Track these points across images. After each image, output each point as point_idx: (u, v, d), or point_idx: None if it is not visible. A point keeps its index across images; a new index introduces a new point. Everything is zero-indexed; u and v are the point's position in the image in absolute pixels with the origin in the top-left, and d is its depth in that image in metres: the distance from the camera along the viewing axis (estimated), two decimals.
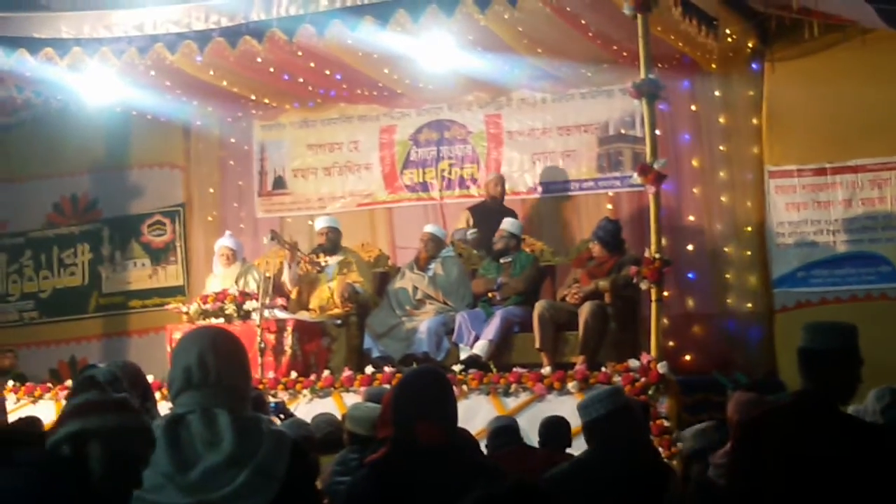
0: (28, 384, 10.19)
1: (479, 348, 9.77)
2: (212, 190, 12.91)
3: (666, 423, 8.19)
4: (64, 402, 3.11)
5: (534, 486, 2.12)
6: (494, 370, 9.19)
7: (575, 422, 5.72)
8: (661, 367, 8.38)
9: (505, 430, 6.76)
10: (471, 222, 11.22)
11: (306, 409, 8.77)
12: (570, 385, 8.64)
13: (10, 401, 9.95)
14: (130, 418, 3.07)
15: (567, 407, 7.92)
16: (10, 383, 10.26)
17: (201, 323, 10.33)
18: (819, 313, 9.61)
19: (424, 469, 3.62)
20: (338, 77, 11.41)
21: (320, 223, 11.17)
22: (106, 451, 2.94)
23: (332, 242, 10.96)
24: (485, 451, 6.51)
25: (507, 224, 10.64)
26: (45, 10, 10.65)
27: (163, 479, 2.98)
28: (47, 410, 9.07)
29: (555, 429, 7.02)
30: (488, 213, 11.08)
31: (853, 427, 3.98)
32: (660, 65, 9.78)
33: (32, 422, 6.64)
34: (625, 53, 10.16)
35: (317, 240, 11.26)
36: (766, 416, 4.36)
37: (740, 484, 4.01)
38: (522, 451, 6.52)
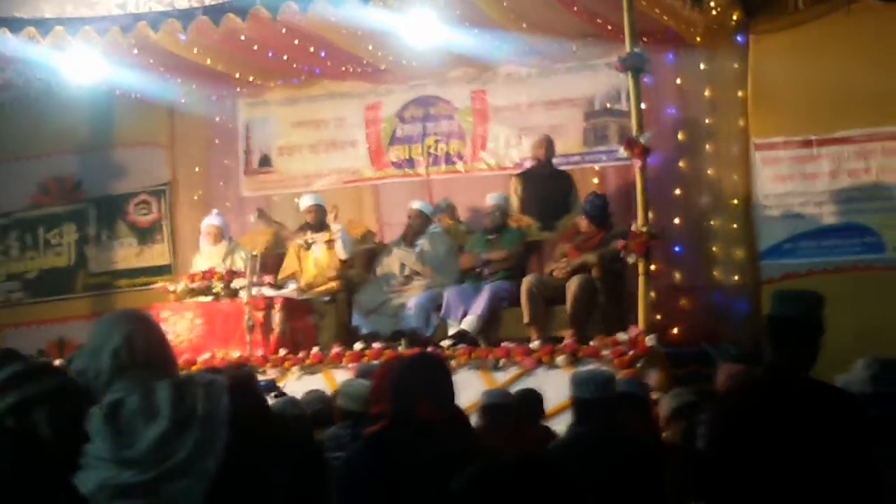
0: None
1: (468, 323, 9.78)
2: (197, 169, 12.86)
3: (655, 396, 8.21)
4: None
5: (531, 459, 2.13)
6: (483, 345, 9.22)
7: (564, 395, 5.76)
8: (650, 340, 8.41)
9: (497, 408, 6.75)
10: (519, 190, 10.94)
11: (296, 386, 8.78)
12: (559, 359, 8.68)
13: None
14: (64, 380, 3.08)
15: (555, 381, 7.97)
16: None
17: (188, 301, 10.34)
18: (806, 284, 9.62)
19: (420, 443, 3.65)
20: (322, 54, 11.36)
21: (306, 201, 11.15)
22: (51, 414, 2.95)
23: (318, 220, 10.95)
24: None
25: (494, 198, 10.65)
26: None
27: (114, 465, 2.95)
28: None
29: (528, 401, 7.05)
30: (537, 177, 10.93)
31: (823, 396, 4.00)
32: (644, 38, 9.77)
33: None
34: (609, 27, 10.14)
35: (303, 218, 11.24)
36: (740, 389, 4.39)
37: (717, 456, 4.04)
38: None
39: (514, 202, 10.80)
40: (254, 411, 3.37)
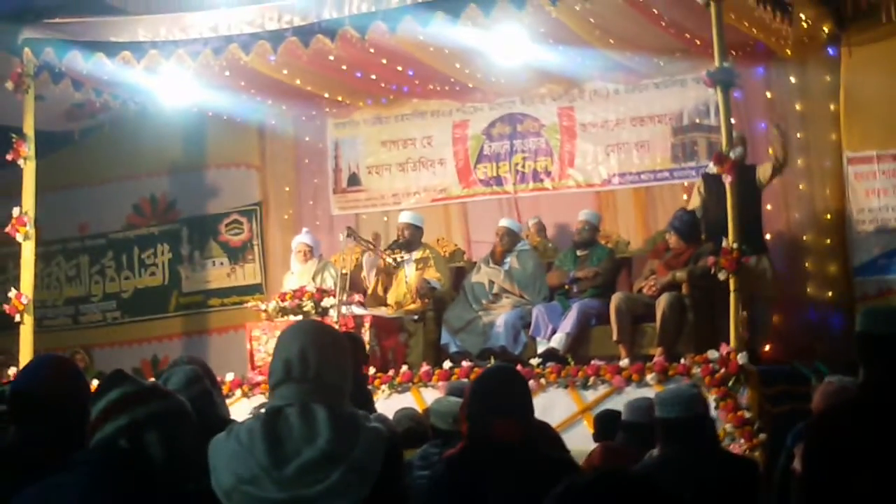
0: None
1: (557, 341, 9.75)
2: (287, 188, 13.01)
3: (747, 415, 8.12)
4: (94, 400, 3.15)
5: (626, 473, 2.10)
6: (572, 363, 9.18)
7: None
8: (741, 358, 8.30)
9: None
10: (702, 189, 10.13)
11: (385, 404, 8.79)
12: (649, 377, 8.61)
13: None
14: (173, 402, 3.14)
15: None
16: (94, 382, 10.41)
17: (280, 321, 10.43)
18: None
19: (499, 464, 3.63)
20: (410, 73, 11.44)
21: (404, 217, 11.20)
22: (162, 437, 3.01)
23: (409, 239, 10.99)
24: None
25: (586, 215, 10.61)
26: (121, 13, 10.82)
27: (259, 471, 3.00)
28: None
29: (609, 422, 7.03)
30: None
31: None
32: (733, 52, 9.66)
33: None
34: (698, 42, 10.06)
35: (394, 235, 11.32)
36: (836, 409, 4.32)
37: (812, 477, 3.97)
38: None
39: (696, 202, 10.04)
40: (402, 474, 3.37)
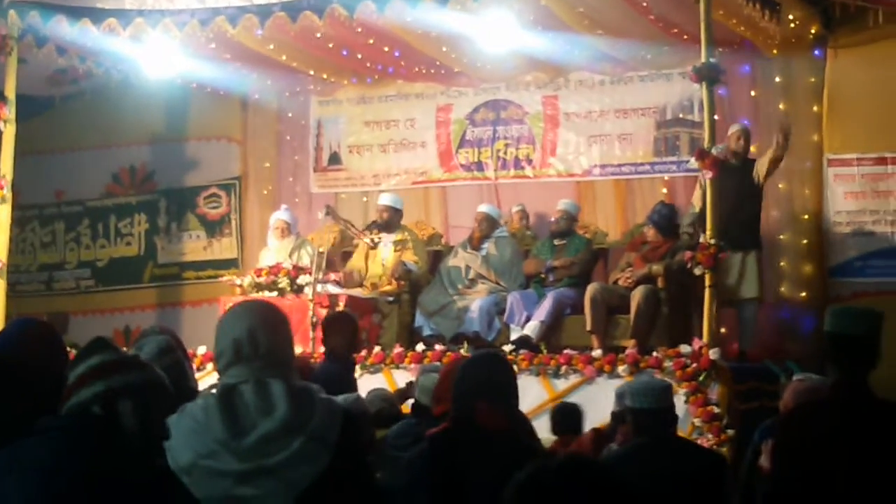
0: None
1: (530, 329, 9.77)
2: (268, 164, 12.97)
3: (716, 410, 8.16)
4: (72, 365, 3.15)
5: (588, 461, 2.10)
6: (545, 351, 9.20)
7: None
8: (713, 354, 8.34)
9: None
10: (704, 183, 9.29)
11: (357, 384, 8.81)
12: (621, 368, 8.64)
13: None
14: (152, 374, 3.16)
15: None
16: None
17: (255, 296, 10.41)
18: (875, 304, 9.42)
19: (483, 449, 3.65)
20: (396, 54, 11.41)
21: (384, 199, 11.19)
22: (136, 407, 3.02)
23: (387, 221, 10.97)
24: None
25: (564, 204, 10.63)
26: None
27: (217, 446, 3.01)
28: None
29: (568, 416, 7.06)
30: (727, 172, 9.16)
31: (889, 415, 3.95)
32: (720, 48, 9.67)
33: None
34: (685, 36, 10.07)
35: (373, 215, 11.31)
36: (805, 407, 4.35)
37: (780, 474, 4.00)
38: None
39: (698, 196, 9.55)
40: (360, 445, 3.38)
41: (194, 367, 5.43)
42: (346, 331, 7.84)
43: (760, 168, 9.53)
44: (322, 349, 8.92)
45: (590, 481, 2.03)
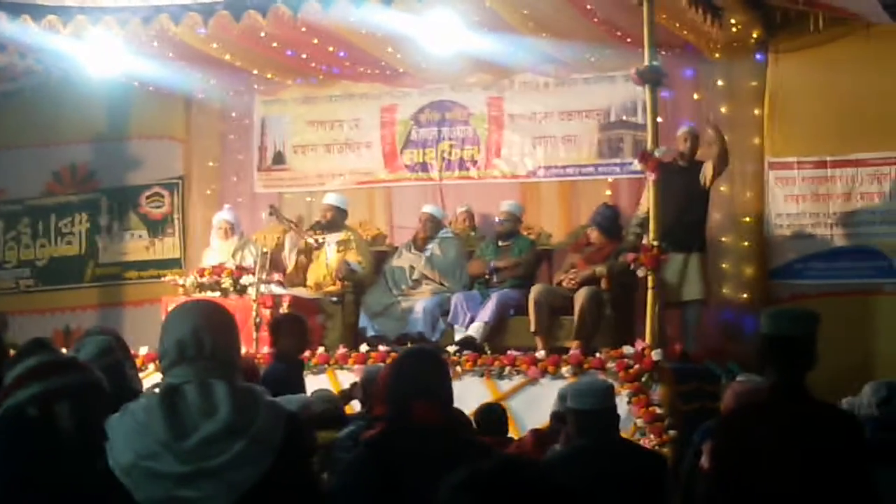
0: None
1: (474, 330, 9.78)
2: (211, 163, 12.88)
3: (658, 411, 8.22)
4: (9, 366, 3.12)
5: (523, 462, 2.09)
6: (489, 352, 9.22)
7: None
8: (656, 355, 8.40)
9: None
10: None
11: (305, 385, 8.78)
12: (565, 370, 8.68)
13: None
14: (90, 376, 3.13)
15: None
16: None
17: (197, 296, 10.34)
18: (815, 305, 9.52)
19: (420, 448, 3.63)
20: (341, 54, 11.37)
21: (328, 199, 11.16)
22: (74, 408, 2.99)
23: (331, 221, 10.94)
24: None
25: (508, 206, 10.65)
26: None
27: (159, 447, 2.98)
28: None
29: (492, 415, 7.07)
30: (675, 173, 9.39)
31: (825, 417, 4.00)
32: (663, 52, 9.74)
33: None
34: (629, 39, 10.12)
35: (317, 215, 11.27)
36: (744, 409, 4.39)
37: (719, 474, 4.04)
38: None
39: (646, 197, 9.25)
40: (304, 448, 3.35)
41: (137, 367, 5.36)
42: (297, 332, 7.81)
43: (707, 170, 9.60)
44: (267, 350, 8.90)
45: (525, 483, 2.01)
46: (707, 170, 9.60)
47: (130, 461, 2.98)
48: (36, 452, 2.93)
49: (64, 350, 4.72)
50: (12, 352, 3.32)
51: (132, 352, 5.69)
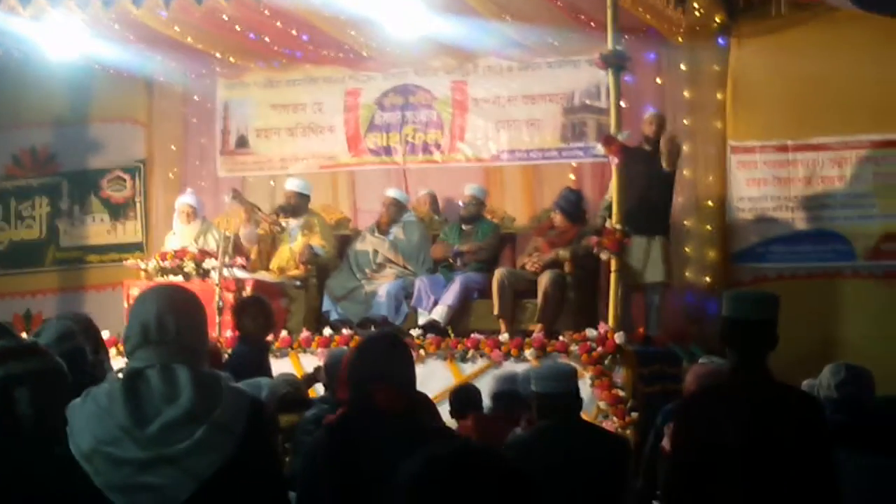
0: None
1: (438, 313, 9.79)
2: (173, 147, 12.80)
3: (621, 393, 8.27)
4: None
5: (481, 449, 2.09)
6: (452, 335, 9.25)
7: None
8: (619, 338, 8.45)
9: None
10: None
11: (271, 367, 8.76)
12: (528, 353, 8.72)
13: None
14: (50, 362, 3.13)
15: None
16: None
17: (160, 280, 10.29)
18: (776, 288, 9.52)
19: (380, 432, 3.63)
20: (304, 38, 11.31)
21: (291, 184, 11.10)
22: (34, 395, 2.98)
23: (294, 206, 10.90)
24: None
25: (473, 189, 10.66)
26: None
27: (120, 433, 2.97)
28: None
29: (466, 396, 7.10)
30: (639, 157, 9.48)
31: (786, 398, 4.03)
32: (626, 36, 9.76)
33: None
34: (592, 23, 10.13)
35: (280, 200, 11.23)
36: (706, 390, 4.42)
37: (680, 456, 4.07)
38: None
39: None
40: (266, 434, 3.34)
41: (107, 352, 5.33)
42: (261, 314, 7.80)
43: (661, 158, 9.62)
44: (231, 333, 8.88)
45: (482, 467, 2.01)
46: (661, 157, 9.58)
47: (91, 446, 2.96)
48: None
49: (24, 335, 4.69)
50: None
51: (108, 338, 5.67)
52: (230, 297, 9.78)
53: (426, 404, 5.07)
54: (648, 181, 9.49)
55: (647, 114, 9.93)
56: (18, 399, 3.00)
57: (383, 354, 3.82)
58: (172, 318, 3.13)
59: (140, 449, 2.96)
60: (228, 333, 9.61)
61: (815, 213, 10.26)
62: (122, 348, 8.21)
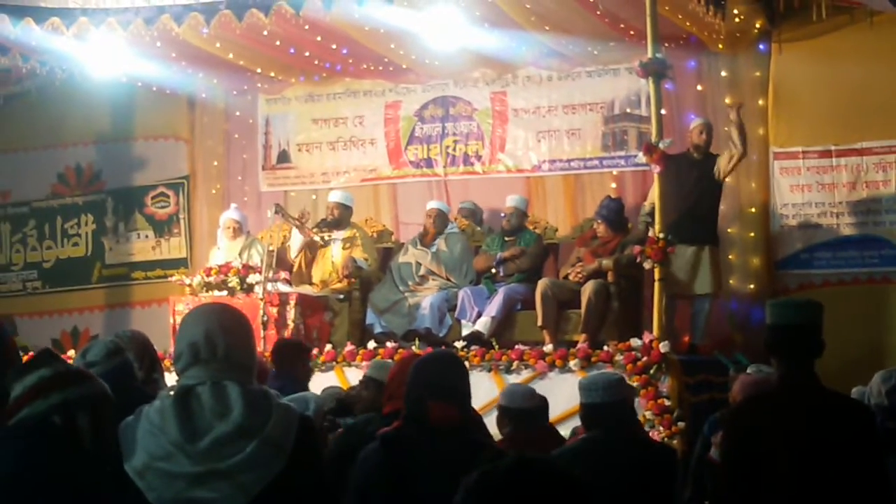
0: (31, 354, 10.17)
1: (482, 325, 9.78)
2: (216, 163, 12.90)
3: (667, 403, 8.22)
4: (17, 376, 3.20)
5: (537, 460, 2.09)
6: (496, 347, 9.22)
7: (576, 400, 5.75)
8: (663, 347, 8.40)
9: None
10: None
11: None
12: (572, 363, 8.68)
13: None
14: (99, 386, 3.22)
15: (568, 385, 7.95)
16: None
17: (204, 295, 10.35)
18: (822, 295, 9.60)
19: (434, 446, 3.65)
20: (344, 52, 11.37)
21: (334, 196, 11.13)
22: (92, 418, 3.08)
23: (337, 219, 10.93)
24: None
25: (514, 200, 10.65)
26: None
27: (172, 448, 3.00)
28: None
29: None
30: (688, 165, 9.57)
31: (836, 406, 4.00)
32: (667, 44, 9.73)
33: None
34: (632, 32, 10.13)
35: (322, 214, 11.28)
36: (754, 400, 4.38)
37: (730, 466, 4.04)
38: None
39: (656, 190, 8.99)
40: (316, 450, 3.36)
41: (161, 370, 5.36)
42: (307, 360, 7.83)
43: (722, 164, 9.56)
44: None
45: (540, 479, 2.02)
46: (722, 162, 9.57)
47: (144, 463, 3.00)
48: (60, 458, 3.00)
49: (72, 352, 4.76)
50: (25, 357, 3.41)
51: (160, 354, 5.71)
52: (274, 311, 9.83)
53: (475, 419, 5.07)
54: (697, 190, 9.45)
55: (694, 122, 9.87)
56: (80, 421, 3.11)
57: (440, 372, 3.85)
58: (221, 336, 3.16)
59: (192, 463, 2.99)
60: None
61: (860, 219, 10.18)
62: (168, 364, 8.31)
